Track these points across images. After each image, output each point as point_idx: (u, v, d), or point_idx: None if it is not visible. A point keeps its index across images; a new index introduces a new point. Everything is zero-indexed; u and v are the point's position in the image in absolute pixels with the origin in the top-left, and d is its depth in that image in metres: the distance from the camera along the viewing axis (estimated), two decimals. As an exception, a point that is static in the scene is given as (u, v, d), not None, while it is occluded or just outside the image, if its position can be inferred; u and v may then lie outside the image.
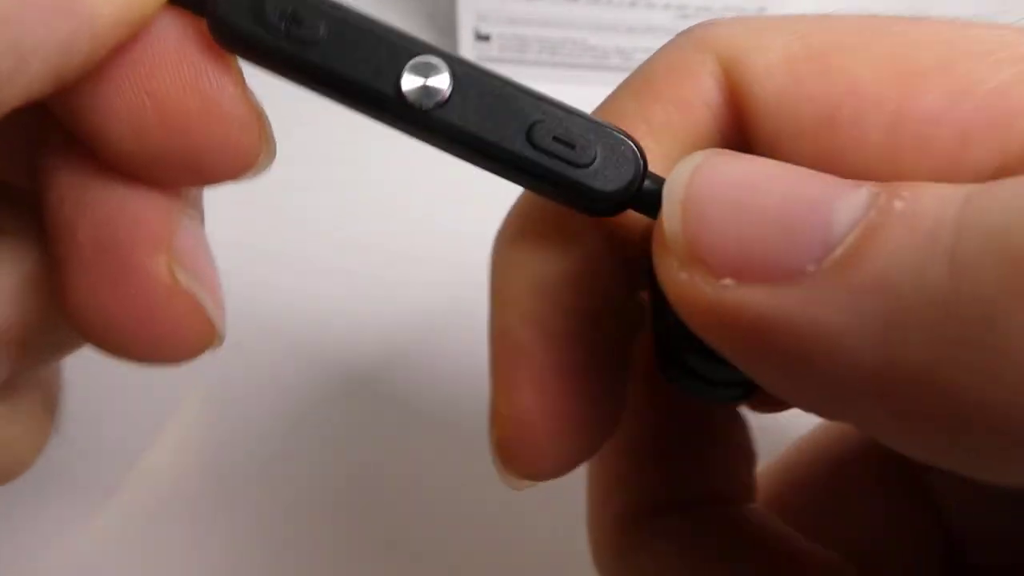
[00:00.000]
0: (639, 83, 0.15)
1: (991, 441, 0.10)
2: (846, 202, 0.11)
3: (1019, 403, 0.10)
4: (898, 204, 0.11)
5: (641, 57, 0.36)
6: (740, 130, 0.14)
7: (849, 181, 0.12)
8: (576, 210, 0.14)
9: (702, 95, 0.14)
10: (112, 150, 0.14)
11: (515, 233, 0.15)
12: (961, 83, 0.13)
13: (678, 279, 0.12)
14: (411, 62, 0.14)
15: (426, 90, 0.14)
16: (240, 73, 0.15)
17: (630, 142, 0.14)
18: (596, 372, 0.14)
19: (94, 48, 0.13)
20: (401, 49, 0.14)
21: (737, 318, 0.11)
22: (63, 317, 0.15)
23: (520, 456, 0.14)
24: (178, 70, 0.14)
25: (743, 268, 0.11)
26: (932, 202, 0.11)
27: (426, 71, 0.14)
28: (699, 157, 0.12)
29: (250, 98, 0.15)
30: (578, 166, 0.13)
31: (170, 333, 0.15)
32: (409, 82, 0.14)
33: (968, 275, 0.10)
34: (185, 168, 0.15)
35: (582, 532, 0.18)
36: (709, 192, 0.12)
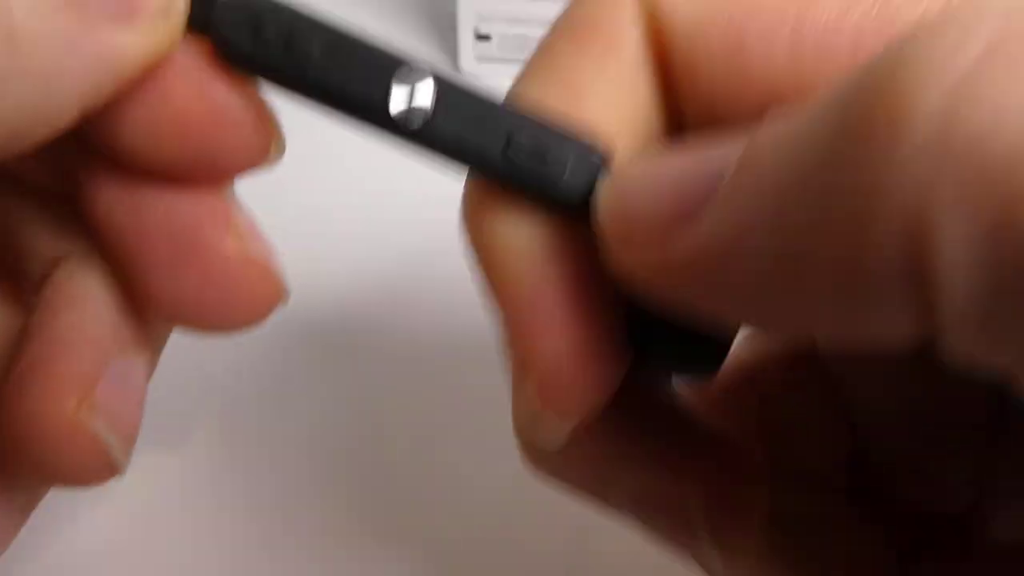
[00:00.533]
0: (563, 33, 0.16)
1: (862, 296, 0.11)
2: (719, 149, 0.13)
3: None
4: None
5: (641, 57, 0.37)
6: (662, 63, 0.15)
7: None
8: (552, 211, 0.15)
9: (625, 36, 0.15)
10: (132, 159, 0.16)
11: (485, 196, 0.16)
12: None
13: (628, 257, 0.14)
14: (398, 77, 0.15)
15: (412, 104, 0.15)
16: (252, 85, 0.16)
17: (597, 150, 0.15)
18: (605, 308, 0.15)
19: (121, 85, 0.15)
20: (389, 65, 0.15)
21: (674, 267, 0.13)
22: (147, 307, 0.17)
23: (563, 397, 0.15)
24: (189, 83, 0.15)
25: (672, 214, 0.13)
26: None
27: (412, 85, 0.15)
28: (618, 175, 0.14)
29: (259, 100, 0.16)
30: (549, 175, 0.15)
31: (250, 300, 0.17)
32: (397, 96, 0.15)
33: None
34: (204, 169, 0.16)
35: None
36: (629, 188, 0.14)
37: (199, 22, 0.15)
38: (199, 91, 0.15)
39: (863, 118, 0.10)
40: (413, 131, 0.15)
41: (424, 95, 0.15)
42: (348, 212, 0.32)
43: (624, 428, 0.17)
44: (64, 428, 0.17)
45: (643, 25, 0.15)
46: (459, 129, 0.15)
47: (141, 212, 0.17)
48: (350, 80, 0.15)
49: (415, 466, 0.27)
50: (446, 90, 0.15)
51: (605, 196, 0.14)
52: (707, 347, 0.16)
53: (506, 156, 0.15)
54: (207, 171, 0.16)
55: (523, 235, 0.15)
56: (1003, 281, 0.09)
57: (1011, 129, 0.09)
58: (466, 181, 0.16)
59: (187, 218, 0.17)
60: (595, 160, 0.15)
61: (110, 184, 0.17)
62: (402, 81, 0.15)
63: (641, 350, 0.16)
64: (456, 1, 0.34)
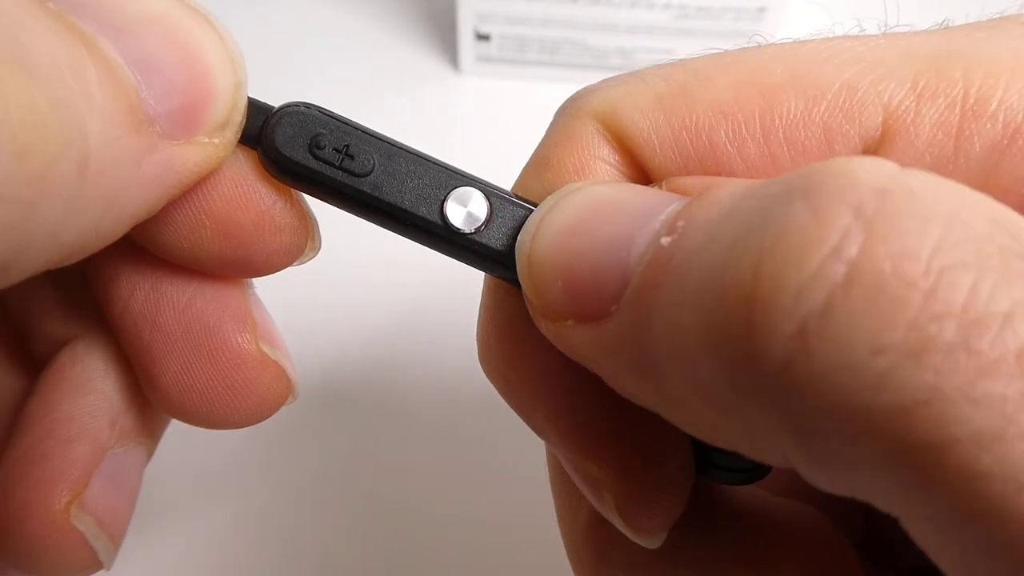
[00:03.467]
0: (538, 162, 0.16)
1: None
2: (640, 239, 0.13)
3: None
4: (664, 240, 0.13)
5: (641, 57, 0.37)
6: (640, 171, 0.16)
7: (658, 205, 0.13)
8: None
9: (594, 153, 0.16)
10: (171, 256, 0.16)
11: (509, 335, 0.16)
12: (813, 87, 0.14)
13: (541, 326, 0.14)
14: (454, 193, 0.15)
15: (467, 217, 0.15)
16: (286, 190, 0.16)
17: None
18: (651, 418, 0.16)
19: (174, 195, 0.15)
20: (444, 180, 0.15)
21: (577, 352, 0.14)
22: (153, 400, 0.17)
23: (648, 514, 0.16)
24: (235, 189, 0.16)
25: (575, 311, 0.14)
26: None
27: (466, 200, 0.15)
28: (550, 201, 0.15)
29: (299, 205, 0.16)
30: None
31: (260, 400, 0.17)
32: (452, 211, 0.15)
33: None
34: (240, 267, 0.16)
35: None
36: (546, 244, 0.14)
37: (250, 134, 0.15)
38: (245, 198, 0.16)
39: (727, 325, 0.11)
40: (467, 243, 0.15)
41: (478, 208, 0.15)
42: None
43: (693, 530, 0.17)
44: (51, 526, 0.17)
45: (608, 144, 0.16)
46: (508, 241, 0.15)
47: (160, 303, 0.16)
48: (406, 196, 0.15)
49: (418, 517, 0.27)
50: (496, 201, 0.15)
51: (522, 257, 0.15)
52: (750, 465, 0.16)
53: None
54: (240, 269, 0.16)
55: (546, 367, 0.16)
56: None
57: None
58: (483, 316, 0.16)
59: (207, 313, 0.17)
60: None
61: (131, 271, 0.17)
62: (456, 196, 0.15)
63: (700, 466, 0.16)
64: (456, 1, 0.34)
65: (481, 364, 0.17)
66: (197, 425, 0.17)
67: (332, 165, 0.15)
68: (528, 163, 0.17)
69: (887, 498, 0.11)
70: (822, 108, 0.14)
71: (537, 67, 0.36)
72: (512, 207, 0.15)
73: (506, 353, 0.16)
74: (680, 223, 0.13)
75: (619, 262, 0.13)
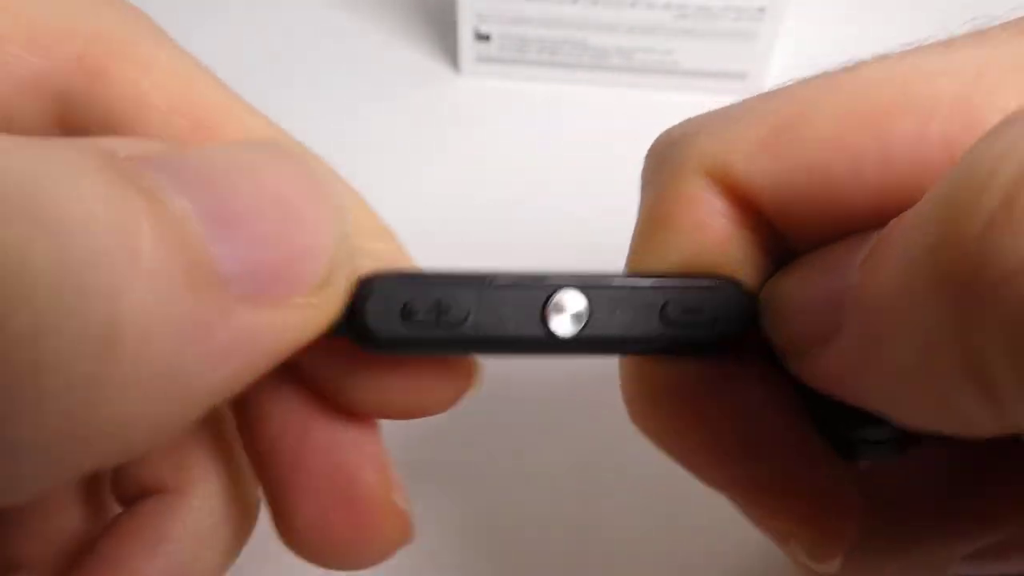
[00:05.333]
0: (655, 224, 0.16)
1: None
2: (856, 258, 0.14)
3: None
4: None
5: (641, 57, 0.37)
6: (759, 217, 0.16)
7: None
8: (708, 356, 0.16)
9: (712, 209, 0.16)
10: (352, 404, 0.16)
11: (655, 395, 0.17)
12: (924, 105, 0.14)
13: (791, 365, 0.15)
14: (551, 303, 0.15)
15: (571, 320, 0.15)
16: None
17: (736, 287, 0.15)
18: (805, 437, 0.16)
19: (267, 368, 0.13)
20: (539, 294, 0.15)
21: (823, 378, 0.14)
22: (285, 540, 0.16)
23: (836, 551, 0.16)
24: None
25: (813, 338, 0.14)
26: None
27: (564, 303, 0.15)
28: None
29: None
30: (709, 325, 0.15)
31: (385, 545, 0.17)
32: (556, 322, 0.15)
33: None
34: (409, 411, 0.16)
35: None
36: (777, 315, 0.15)
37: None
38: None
39: (944, 275, 0.11)
40: (578, 345, 0.15)
41: (577, 306, 0.15)
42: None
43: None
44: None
45: (723, 197, 0.16)
46: (617, 323, 0.15)
47: (308, 444, 0.16)
48: (508, 321, 0.15)
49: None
50: (594, 294, 0.15)
51: (766, 324, 0.15)
52: (888, 434, 0.16)
53: (666, 327, 0.15)
54: (408, 413, 0.16)
55: (705, 421, 0.16)
56: None
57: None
58: (626, 378, 0.17)
59: (350, 457, 0.16)
60: (736, 298, 0.15)
61: (283, 408, 0.16)
62: (554, 305, 0.15)
63: (841, 449, 0.16)
64: (456, 1, 0.34)
65: (641, 432, 0.17)
66: (322, 566, 0.17)
67: (431, 326, 0.14)
68: (642, 224, 0.17)
69: None
70: (939, 122, 0.14)
71: (537, 67, 0.36)
72: (608, 291, 0.15)
73: (667, 425, 0.16)
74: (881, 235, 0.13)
75: (838, 285, 0.13)
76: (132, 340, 0.10)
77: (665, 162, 0.17)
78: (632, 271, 0.16)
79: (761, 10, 0.33)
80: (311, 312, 0.13)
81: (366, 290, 0.14)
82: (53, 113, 0.15)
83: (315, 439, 0.16)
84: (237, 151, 0.13)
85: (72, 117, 0.15)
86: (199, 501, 0.16)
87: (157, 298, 0.11)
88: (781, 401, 0.16)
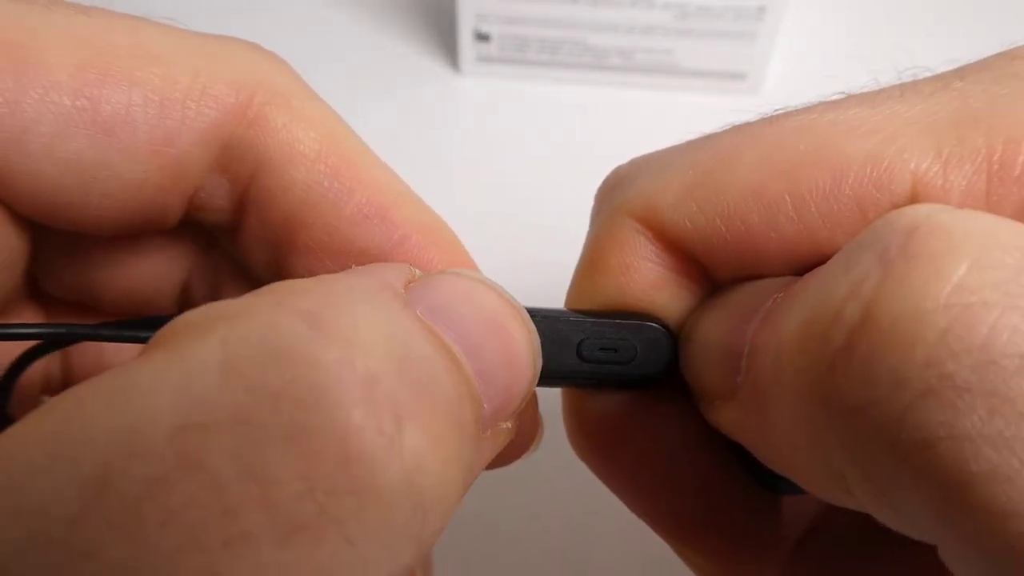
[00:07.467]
0: (588, 266, 0.17)
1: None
2: (751, 324, 0.15)
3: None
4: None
5: (641, 57, 0.37)
6: (684, 258, 0.16)
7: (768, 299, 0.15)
8: (632, 391, 0.17)
9: (638, 254, 0.16)
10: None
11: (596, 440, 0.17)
12: (837, 160, 0.14)
13: (704, 411, 0.16)
14: None
15: None
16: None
17: (657, 328, 0.16)
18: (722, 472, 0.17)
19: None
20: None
21: (727, 429, 0.15)
22: None
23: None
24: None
25: (717, 392, 0.15)
26: None
27: None
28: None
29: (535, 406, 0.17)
30: (626, 364, 0.16)
31: None
32: None
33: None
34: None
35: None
36: (689, 362, 0.16)
37: None
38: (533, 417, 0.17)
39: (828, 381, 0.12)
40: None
41: None
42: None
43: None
44: None
45: (650, 241, 0.16)
46: (562, 347, 0.16)
47: None
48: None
49: None
50: (541, 322, 0.16)
51: (683, 365, 0.16)
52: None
53: (583, 363, 0.16)
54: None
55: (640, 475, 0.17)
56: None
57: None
58: (564, 410, 0.18)
59: None
60: (660, 337, 0.16)
61: None
62: None
63: (764, 480, 0.17)
64: (456, 1, 0.34)
65: (578, 455, 0.18)
66: None
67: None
68: (579, 264, 0.18)
69: (925, 527, 0.11)
70: (850, 180, 0.14)
71: (537, 67, 0.36)
72: (557, 324, 0.16)
73: (595, 456, 0.17)
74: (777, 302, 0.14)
75: (739, 342, 0.14)
76: (433, 516, 0.12)
77: (604, 204, 0.18)
78: (568, 308, 0.17)
79: (761, 10, 0.33)
80: (505, 435, 0.15)
81: None
82: (218, 159, 0.16)
83: None
84: (482, 302, 0.14)
85: (229, 160, 0.16)
86: None
87: (460, 463, 0.13)
88: (705, 436, 0.17)
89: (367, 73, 0.37)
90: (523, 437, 0.17)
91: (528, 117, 0.36)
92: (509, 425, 0.15)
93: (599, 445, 0.17)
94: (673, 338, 0.16)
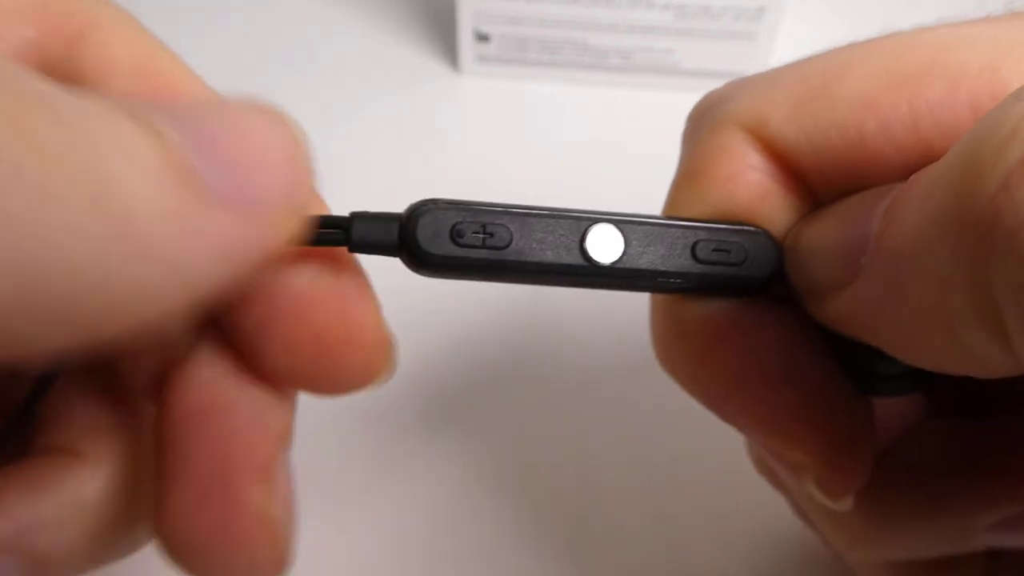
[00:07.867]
0: (690, 174, 0.17)
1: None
2: (878, 208, 0.14)
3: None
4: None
5: (641, 57, 0.37)
6: (790, 171, 0.16)
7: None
8: (735, 298, 0.17)
9: (746, 163, 0.17)
10: (263, 364, 0.16)
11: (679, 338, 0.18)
12: (954, 71, 0.15)
13: (810, 308, 0.16)
14: (588, 234, 0.16)
15: (607, 252, 0.16)
16: (378, 302, 0.16)
17: (764, 234, 0.17)
18: (830, 375, 0.17)
19: (240, 275, 0.14)
20: (578, 225, 0.16)
21: (842, 320, 0.15)
22: (153, 530, 0.16)
23: (849, 487, 0.17)
24: (331, 301, 0.16)
25: (833, 281, 0.15)
26: None
27: (600, 236, 0.16)
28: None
29: (385, 325, 0.16)
30: (737, 265, 0.16)
31: (249, 561, 0.16)
32: (593, 252, 0.16)
33: None
34: (321, 381, 0.16)
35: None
36: (800, 259, 0.16)
37: (388, 243, 0.15)
38: (342, 306, 0.16)
39: (961, 224, 0.12)
40: (613, 274, 0.16)
41: (613, 239, 0.16)
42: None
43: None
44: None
45: (758, 151, 0.16)
46: (651, 257, 0.16)
47: (211, 423, 0.16)
48: (547, 252, 0.16)
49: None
50: (628, 230, 0.16)
51: (789, 270, 0.16)
52: (905, 368, 0.17)
53: (696, 264, 0.16)
54: (322, 382, 0.16)
55: (738, 361, 0.17)
56: None
57: None
58: (656, 316, 0.18)
59: (239, 452, 0.16)
60: (766, 242, 0.17)
61: (206, 370, 0.16)
62: (592, 237, 0.16)
63: (860, 380, 0.17)
64: (456, 1, 0.34)
65: (665, 368, 0.18)
66: (180, 567, 0.16)
67: (478, 247, 0.16)
68: (678, 175, 0.18)
69: None
70: (966, 89, 0.14)
71: (537, 67, 0.36)
72: (642, 228, 0.16)
73: (696, 358, 0.17)
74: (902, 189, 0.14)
75: (865, 223, 0.14)
76: (142, 222, 0.12)
77: (704, 120, 0.17)
78: (668, 207, 0.18)
79: (761, 10, 0.33)
80: (271, 230, 0.14)
81: (419, 213, 0.15)
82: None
83: (214, 427, 0.16)
84: (223, 104, 0.14)
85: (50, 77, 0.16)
86: (87, 472, 0.16)
87: (157, 192, 0.12)
88: (804, 338, 0.17)
89: (367, 73, 0.37)
90: (376, 355, 0.16)
91: (528, 117, 0.36)
92: (276, 220, 0.14)
93: (700, 348, 0.17)
94: (779, 245, 0.17)
